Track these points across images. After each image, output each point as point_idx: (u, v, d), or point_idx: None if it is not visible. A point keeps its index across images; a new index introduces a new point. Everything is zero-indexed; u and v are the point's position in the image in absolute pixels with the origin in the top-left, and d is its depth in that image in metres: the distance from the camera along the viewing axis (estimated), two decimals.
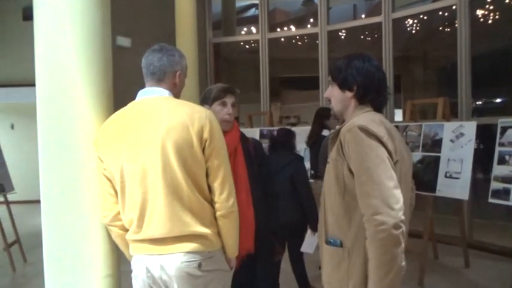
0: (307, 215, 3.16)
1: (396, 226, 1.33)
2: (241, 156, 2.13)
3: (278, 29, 8.66)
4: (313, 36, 6.79)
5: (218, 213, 1.64)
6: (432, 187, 3.92)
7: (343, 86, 1.57)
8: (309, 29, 7.63)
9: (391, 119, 5.73)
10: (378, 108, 1.59)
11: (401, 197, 1.38)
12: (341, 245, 1.49)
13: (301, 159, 3.35)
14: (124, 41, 5.95)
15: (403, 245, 1.36)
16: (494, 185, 3.68)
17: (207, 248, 1.62)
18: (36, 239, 2.52)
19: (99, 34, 1.83)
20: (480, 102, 8.50)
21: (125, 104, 1.70)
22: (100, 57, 1.83)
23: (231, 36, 8.02)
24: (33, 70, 1.81)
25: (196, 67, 5.95)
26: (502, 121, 3.79)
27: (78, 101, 1.77)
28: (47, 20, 1.78)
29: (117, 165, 1.59)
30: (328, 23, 6.50)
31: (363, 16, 8.62)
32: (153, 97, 1.66)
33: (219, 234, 1.67)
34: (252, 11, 9.52)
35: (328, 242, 1.54)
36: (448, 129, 3.95)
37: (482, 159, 5.41)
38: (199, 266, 1.59)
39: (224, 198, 1.63)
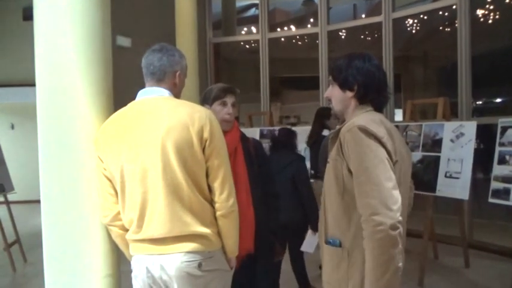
0: (308, 215, 3.16)
1: (393, 227, 1.33)
2: (241, 156, 2.13)
3: (278, 29, 8.66)
4: (313, 36, 6.79)
5: (218, 213, 1.64)
6: (432, 187, 3.92)
7: (344, 85, 1.57)
8: (309, 28, 7.63)
9: (391, 119, 5.73)
10: (379, 108, 1.59)
11: (400, 197, 1.38)
12: (340, 245, 1.49)
13: (302, 159, 3.35)
14: (124, 41, 5.95)
15: (400, 246, 1.36)
16: (495, 184, 3.68)
17: (207, 247, 1.62)
18: (36, 239, 2.52)
19: (99, 34, 1.83)
20: (480, 102, 8.50)
21: (124, 104, 1.70)
22: (100, 57, 1.83)
23: (231, 36, 8.02)
24: (33, 70, 1.81)
25: (196, 67, 5.95)
26: (502, 121, 3.79)
27: (78, 101, 1.77)
28: (47, 20, 1.78)
29: (117, 165, 1.59)
30: (328, 22, 6.50)
31: (363, 16, 8.62)
32: (153, 97, 1.66)
33: (219, 234, 1.67)
34: (252, 11, 9.52)
35: (327, 242, 1.55)
36: (448, 129, 3.95)
37: (483, 159, 5.40)
38: (200, 265, 1.59)
39: (224, 198, 1.63)
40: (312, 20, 7.90)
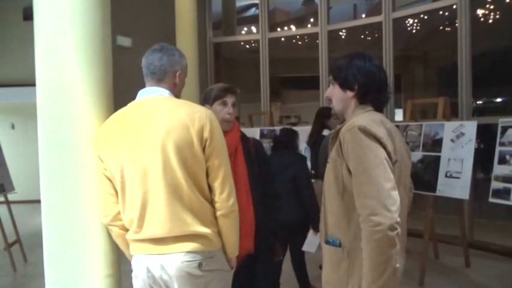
0: (309, 215, 3.16)
1: (392, 228, 1.33)
2: (241, 156, 2.13)
3: (278, 29, 8.66)
4: (314, 36, 6.79)
5: (218, 213, 1.64)
6: (432, 187, 3.91)
7: (344, 85, 1.56)
8: (309, 28, 7.62)
9: (392, 119, 5.73)
10: (379, 108, 1.59)
11: (398, 198, 1.38)
12: (340, 245, 1.49)
13: (304, 159, 3.34)
14: (124, 41, 5.94)
15: (398, 247, 1.36)
16: (495, 184, 3.68)
17: (208, 247, 1.62)
18: (37, 239, 2.52)
19: (99, 34, 1.83)
20: (480, 102, 8.49)
21: (124, 104, 1.69)
22: (100, 57, 1.83)
23: (231, 36, 8.01)
24: (33, 70, 1.81)
25: (197, 67, 5.95)
26: (502, 121, 3.78)
27: (78, 101, 1.77)
28: (47, 20, 1.78)
29: (117, 165, 1.59)
30: (329, 22, 6.50)
31: (363, 16, 8.61)
32: (153, 97, 1.66)
33: (219, 233, 1.67)
34: (252, 11, 9.51)
35: (327, 242, 1.55)
36: (448, 129, 3.95)
37: (483, 159, 5.40)
38: (200, 265, 1.59)
39: (224, 197, 1.63)
40: (312, 19, 7.90)
